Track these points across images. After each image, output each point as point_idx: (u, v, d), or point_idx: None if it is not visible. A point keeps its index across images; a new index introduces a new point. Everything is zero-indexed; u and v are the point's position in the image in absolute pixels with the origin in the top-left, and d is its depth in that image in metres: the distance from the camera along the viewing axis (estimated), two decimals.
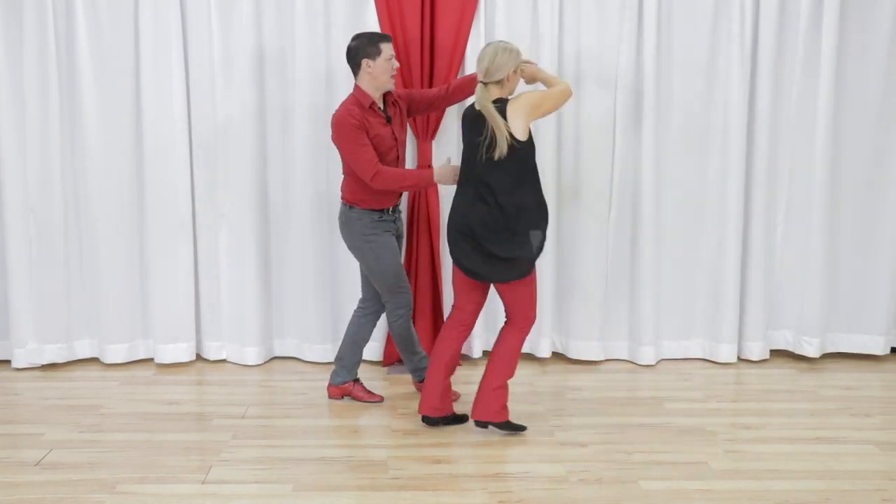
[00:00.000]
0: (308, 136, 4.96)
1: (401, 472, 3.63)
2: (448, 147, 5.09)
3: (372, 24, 4.88)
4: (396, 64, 4.15)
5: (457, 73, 4.89)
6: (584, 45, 5.01)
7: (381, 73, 4.10)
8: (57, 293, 5.05)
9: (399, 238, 4.45)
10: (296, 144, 4.98)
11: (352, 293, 5.13)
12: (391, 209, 4.30)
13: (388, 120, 4.21)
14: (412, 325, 4.46)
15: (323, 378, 4.90)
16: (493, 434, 4.04)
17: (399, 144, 4.27)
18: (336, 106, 4.91)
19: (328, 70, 4.95)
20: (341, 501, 3.35)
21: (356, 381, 4.55)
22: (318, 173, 4.99)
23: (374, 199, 4.22)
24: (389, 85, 4.15)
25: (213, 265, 5.10)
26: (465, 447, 3.89)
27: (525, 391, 4.70)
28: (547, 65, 4.96)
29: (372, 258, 4.24)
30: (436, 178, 4.11)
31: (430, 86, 4.92)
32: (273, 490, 3.44)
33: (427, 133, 4.95)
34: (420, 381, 4.58)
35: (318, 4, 4.88)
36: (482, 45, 4.91)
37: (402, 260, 4.61)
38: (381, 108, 4.19)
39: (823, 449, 3.90)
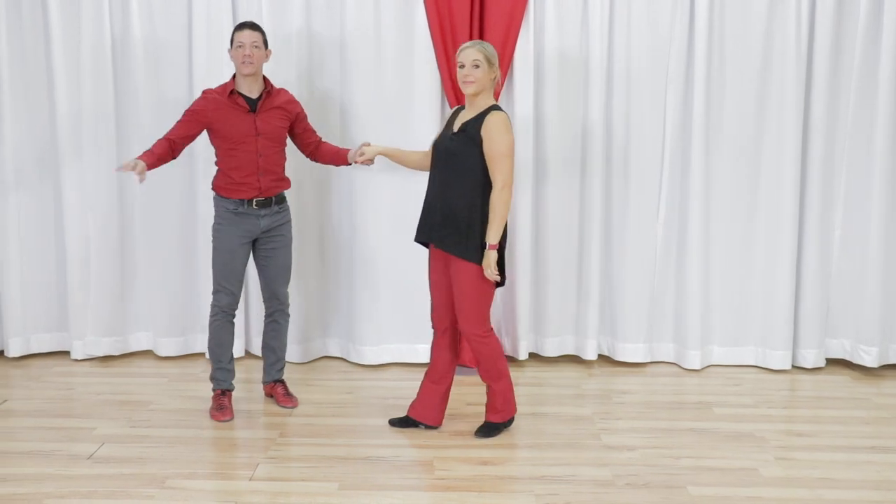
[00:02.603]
0: (360, 130, 4.99)
1: (447, 472, 3.62)
2: None
3: (421, 22, 4.88)
4: (247, 52, 4.08)
5: (505, 76, 4.88)
6: (634, 46, 4.96)
7: (234, 59, 4.15)
8: (114, 288, 5.16)
9: (263, 238, 4.30)
10: (346, 142, 5.00)
11: (399, 295, 5.14)
12: (251, 201, 4.20)
13: (253, 109, 4.17)
14: (226, 332, 4.31)
15: (371, 377, 4.92)
16: (541, 436, 4.03)
17: (263, 139, 4.18)
18: (379, 98, 4.97)
19: (377, 65, 4.95)
20: (387, 501, 3.36)
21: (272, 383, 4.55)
22: (367, 170, 4.99)
23: (225, 186, 4.22)
24: (244, 70, 4.11)
25: None
26: (512, 449, 3.88)
27: (571, 394, 4.67)
28: (597, 65, 4.92)
29: (212, 247, 4.28)
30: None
31: None
32: (319, 488, 3.46)
33: None
34: (217, 390, 4.37)
35: (369, 4, 4.89)
36: (531, 47, 4.89)
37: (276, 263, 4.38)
38: (250, 97, 4.17)
39: (879, 458, 3.82)
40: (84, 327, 5.15)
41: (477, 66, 3.75)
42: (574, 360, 5.31)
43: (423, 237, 3.96)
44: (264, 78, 4.23)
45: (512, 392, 4.03)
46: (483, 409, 4.40)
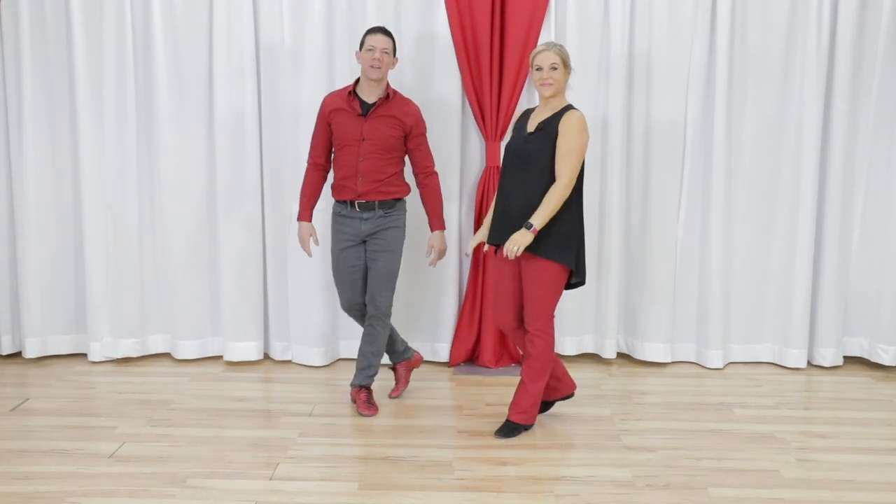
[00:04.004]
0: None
1: (466, 473, 3.62)
2: None
3: (442, 24, 4.88)
4: (377, 55, 4.09)
5: (526, 75, 4.87)
6: (655, 45, 4.95)
7: (363, 61, 4.15)
8: (131, 289, 5.17)
9: (369, 241, 4.29)
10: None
11: (419, 294, 5.14)
12: (353, 203, 4.24)
13: (364, 114, 4.18)
14: (364, 328, 4.38)
15: (390, 378, 4.93)
16: (561, 437, 4.02)
17: (369, 143, 4.16)
18: (408, 103, 4.95)
19: (398, 67, 4.96)
20: (406, 501, 3.36)
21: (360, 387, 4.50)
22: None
23: (335, 186, 4.29)
24: (371, 74, 4.11)
25: (281, 265, 5.15)
26: (531, 449, 3.87)
27: (591, 394, 4.66)
28: (616, 65, 4.91)
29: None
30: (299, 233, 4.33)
31: (500, 88, 4.91)
32: (338, 488, 3.47)
33: (496, 134, 4.95)
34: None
35: (389, 4, 4.90)
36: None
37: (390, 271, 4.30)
38: (367, 101, 4.19)
39: None
40: (102, 329, 5.17)
41: (555, 69, 3.80)
42: (593, 358, 5.30)
43: (500, 240, 3.93)
44: (387, 84, 4.22)
45: (540, 401, 4.04)
46: (502, 409, 4.40)
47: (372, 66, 4.09)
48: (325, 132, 4.26)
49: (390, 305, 4.32)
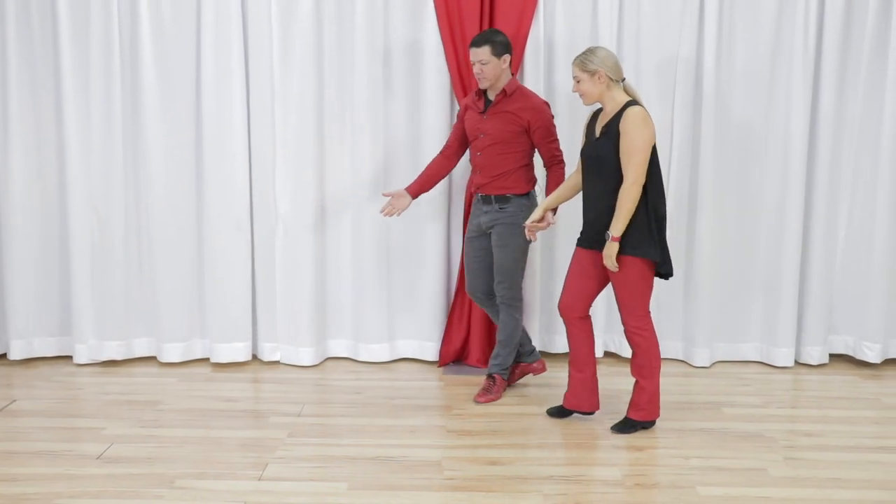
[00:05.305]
0: (366, 133, 4.99)
1: (455, 472, 3.62)
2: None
3: (430, 21, 4.89)
4: (477, 70, 4.30)
5: (515, 74, 4.87)
6: (643, 46, 4.96)
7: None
8: (117, 291, 5.13)
9: (488, 235, 4.51)
10: (354, 144, 5.01)
11: (409, 292, 5.14)
12: (481, 197, 4.48)
13: (483, 111, 4.40)
14: (489, 314, 4.69)
15: (379, 377, 4.92)
16: (549, 436, 4.03)
17: (486, 138, 4.37)
18: (393, 106, 5.00)
19: (385, 68, 4.96)
20: (396, 501, 3.36)
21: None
22: (378, 172, 5.01)
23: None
24: (480, 84, 4.35)
25: (269, 265, 5.13)
26: (520, 449, 3.87)
27: None
28: None
29: None
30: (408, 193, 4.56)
31: None
32: (328, 488, 3.46)
33: None
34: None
35: (378, 3, 4.89)
36: (541, 45, 4.90)
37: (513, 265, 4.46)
38: (489, 98, 4.41)
39: (887, 458, 3.81)
40: (87, 331, 5.13)
41: (578, 82, 3.90)
42: None
43: (584, 243, 4.04)
44: (512, 80, 4.37)
45: (658, 394, 4.06)
46: (491, 409, 4.40)
47: (478, 80, 4.33)
48: (459, 126, 4.55)
49: (514, 297, 4.49)
